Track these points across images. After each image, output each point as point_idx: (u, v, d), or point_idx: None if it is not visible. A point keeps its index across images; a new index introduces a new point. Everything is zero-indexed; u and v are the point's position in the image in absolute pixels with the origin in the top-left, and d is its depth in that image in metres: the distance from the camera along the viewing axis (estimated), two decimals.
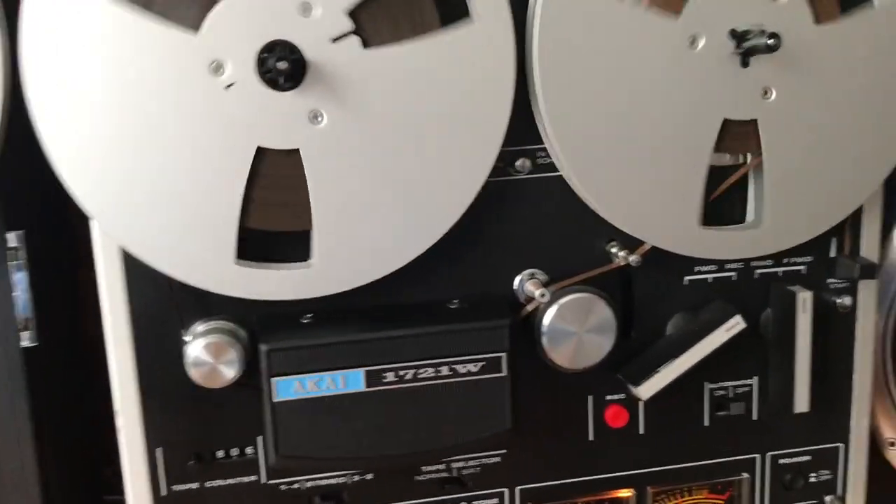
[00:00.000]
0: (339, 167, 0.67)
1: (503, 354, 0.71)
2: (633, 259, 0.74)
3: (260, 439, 0.74)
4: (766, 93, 0.73)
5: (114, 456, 0.75)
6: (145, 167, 0.65)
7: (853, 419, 0.85)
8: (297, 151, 0.67)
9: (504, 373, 0.71)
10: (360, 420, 0.70)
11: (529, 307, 0.75)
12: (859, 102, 0.75)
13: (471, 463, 0.79)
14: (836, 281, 0.81)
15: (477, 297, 0.74)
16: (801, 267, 0.80)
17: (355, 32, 0.65)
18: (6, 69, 0.64)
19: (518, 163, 0.73)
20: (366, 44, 0.65)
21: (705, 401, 0.82)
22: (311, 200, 0.67)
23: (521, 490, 0.81)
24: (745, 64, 0.71)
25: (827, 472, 0.86)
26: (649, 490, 0.83)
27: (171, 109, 0.64)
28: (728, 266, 0.79)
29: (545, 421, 0.79)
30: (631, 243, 0.75)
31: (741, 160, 0.76)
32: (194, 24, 0.63)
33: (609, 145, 0.71)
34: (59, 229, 0.83)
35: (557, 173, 0.73)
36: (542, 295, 0.73)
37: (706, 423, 0.82)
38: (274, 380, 0.68)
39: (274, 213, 0.68)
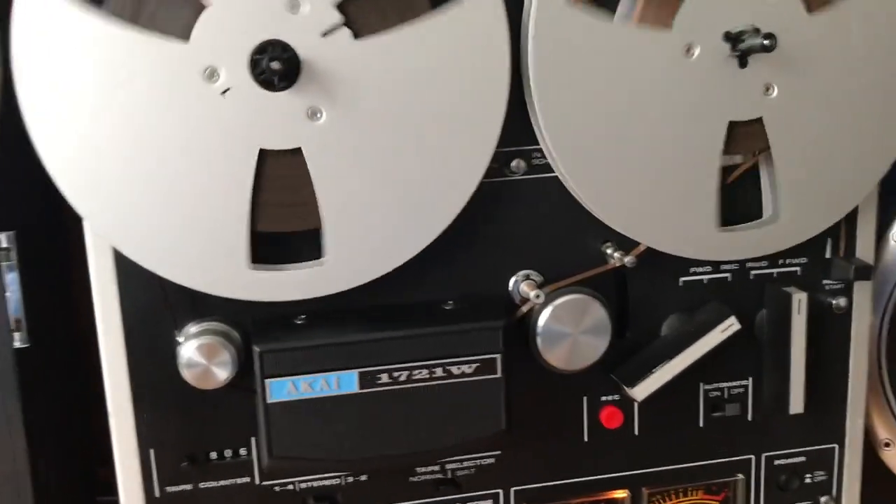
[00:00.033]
0: (341, 163, 0.67)
1: (497, 356, 0.71)
2: (628, 260, 0.74)
3: (253, 440, 0.74)
4: (767, 89, 0.72)
5: (107, 457, 0.75)
6: (149, 177, 0.65)
7: (848, 420, 0.85)
8: (298, 151, 0.66)
9: (498, 374, 0.71)
10: (354, 421, 0.70)
11: (524, 308, 0.75)
12: (858, 91, 0.74)
13: (465, 464, 0.79)
14: (831, 282, 0.81)
15: (472, 298, 0.74)
16: (797, 268, 0.80)
17: (345, 24, 0.65)
18: None
19: (513, 163, 0.73)
20: (356, 35, 0.65)
21: (700, 402, 0.82)
22: (318, 198, 0.67)
23: (516, 491, 0.80)
24: (742, 64, 0.71)
25: (822, 472, 0.86)
26: (644, 491, 0.83)
27: (169, 119, 0.64)
28: (723, 267, 0.79)
29: (540, 422, 0.79)
30: (626, 244, 0.75)
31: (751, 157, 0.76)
32: (183, 33, 0.63)
33: (608, 148, 0.71)
34: (51, 230, 0.83)
35: (552, 174, 0.73)
36: (537, 296, 0.73)
37: (701, 424, 0.82)
38: (267, 381, 0.68)
39: (282, 214, 0.68)
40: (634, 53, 0.69)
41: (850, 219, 0.80)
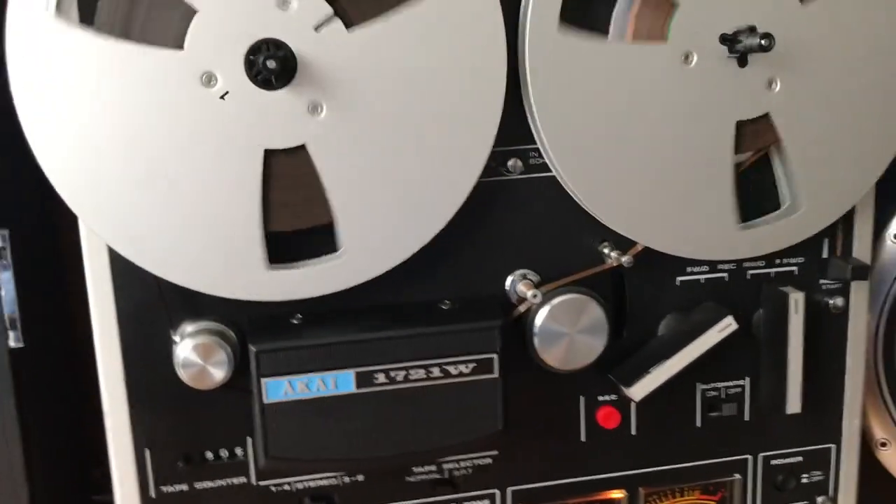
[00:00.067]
0: (346, 156, 0.67)
1: (494, 355, 0.71)
2: (626, 260, 0.74)
3: (249, 440, 0.74)
4: (770, 84, 0.72)
5: (103, 456, 0.75)
6: (155, 184, 0.64)
7: (845, 420, 0.85)
8: (302, 148, 0.66)
9: (495, 374, 0.71)
10: (350, 421, 0.69)
11: (521, 308, 0.75)
12: (859, 79, 0.74)
13: (462, 464, 0.79)
14: (828, 282, 0.81)
15: (468, 298, 0.74)
16: (794, 268, 0.80)
17: (336, 15, 0.64)
18: None
19: (510, 163, 0.73)
20: (347, 25, 0.65)
21: (697, 402, 0.82)
22: (327, 193, 0.67)
23: (513, 491, 0.80)
24: (742, 64, 0.71)
25: (819, 472, 0.86)
26: (641, 491, 0.83)
27: (171, 127, 0.64)
28: (720, 267, 0.79)
29: (537, 422, 0.79)
30: (623, 244, 0.75)
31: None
32: (177, 42, 0.63)
33: (607, 149, 0.71)
34: (47, 229, 0.83)
35: (549, 174, 0.73)
36: (534, 296, 0.73)
37: (698, 423, 0.82)
38: (264, 381, 0.68)
39: (292, 212, 0.68)
40: (633, 69, 0.70)
41: (848, 218, 0.80)
